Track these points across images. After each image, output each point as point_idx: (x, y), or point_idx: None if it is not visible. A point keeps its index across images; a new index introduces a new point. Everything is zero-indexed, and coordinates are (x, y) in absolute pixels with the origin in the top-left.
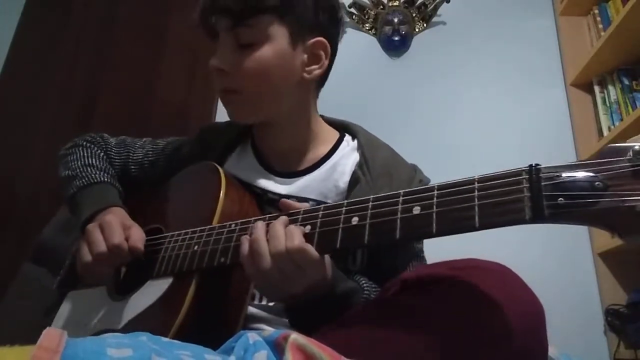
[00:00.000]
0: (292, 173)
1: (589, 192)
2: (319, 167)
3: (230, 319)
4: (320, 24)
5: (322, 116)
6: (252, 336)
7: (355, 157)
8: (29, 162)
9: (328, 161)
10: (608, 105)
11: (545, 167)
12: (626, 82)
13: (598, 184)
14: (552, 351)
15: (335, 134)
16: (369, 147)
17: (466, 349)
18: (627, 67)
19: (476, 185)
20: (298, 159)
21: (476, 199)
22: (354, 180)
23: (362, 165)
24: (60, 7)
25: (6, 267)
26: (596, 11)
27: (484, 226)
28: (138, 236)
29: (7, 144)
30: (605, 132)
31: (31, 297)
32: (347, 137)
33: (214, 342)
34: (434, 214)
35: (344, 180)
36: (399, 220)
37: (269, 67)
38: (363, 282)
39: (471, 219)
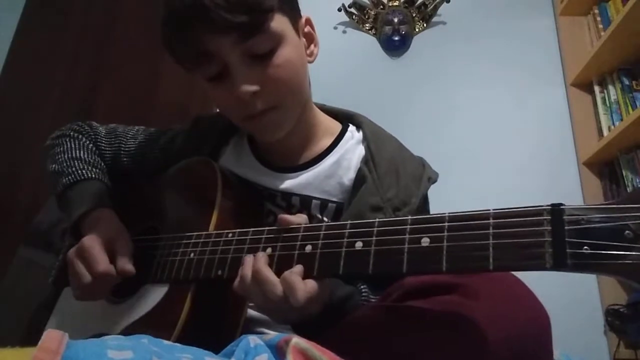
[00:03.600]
0: (291, 167)
1: (617, 242)
2: (321, 160)
3: (229, 325)
4: (296, 1)
5: (323, 105)
6: (253, 339)
7: (360, 150)
8: (29, 162)
9: (331, 154)
10: (608, 105)
11: (568, 208)
12: (626, 82)
13: (628, 234)
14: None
15: (337, 126)
16: (375, 140)
17: (470, 356)
18: (627, 67)
19: (491, 221)
20: (299, 153)
21: (491, 237)
22: (360, 178)
23: (368, 160)
24: (60, 6)
25: (6, 266)
26: (596, 11)
27: (499, 268)
28: (124, 256)
29: (7, 143)
30: (605, 132)
31: (28, 284)
32: (352, 128)
33: (213, 347)
34: (444, 249)
35: (349, 177)
36: (406, 251)
37: (296, 67)
38: (360, 285)
39: (485, 259)
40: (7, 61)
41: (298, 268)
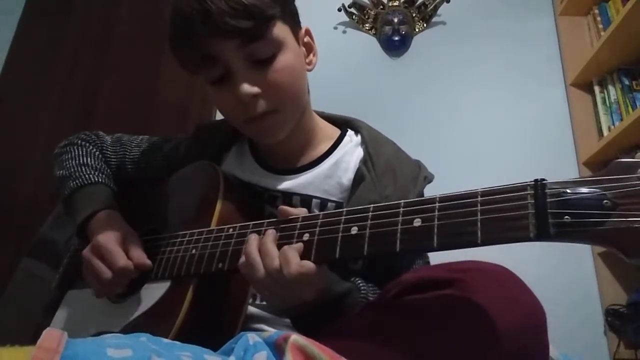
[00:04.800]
0: (292, 170)
1: (596, 210)
2: (320, 163)
3: (229, 322)
4: (297, 12)
5: (322, 112)
6: (252, 337)
7: (359, 152)
8: (29, 162)
9: (330, 157)
10: (608, 105)
11: (550, 182)
12: (626, 82)
13: (606, 202)
14: (552, 351)
15: (335, 131)
16: (373, 142)
17: (466, 351)
18: (627, 67)
19: (479, 199)
20: (298, 157)
21: (479, 214)
22: (359, 177)
23: (367, 161)
24: (61, 7)
25: (6, 267)
26: (596, 11)
27: (487, 242)
28: (140, 250)
29: (7, 144)
30: (605, 132)
31: (31, 294)
32: (350, 133)
33: (212, 345)
34: (435, 227)
35: (347, 177)
36: (399, 232)
37: (296, 73)
38: (359, 282)
39: (473, 234)
40: (7, 61)
41: (297, 245)
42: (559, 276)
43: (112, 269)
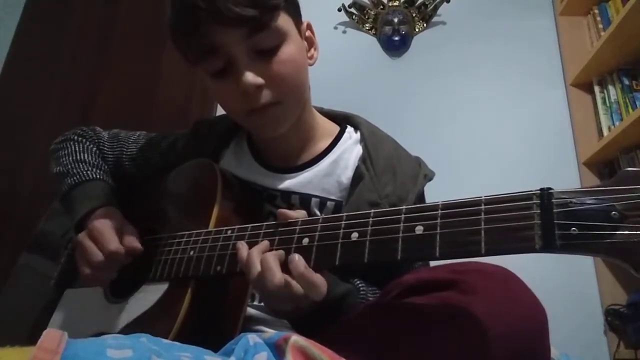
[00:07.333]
0: (291, 168)
1: (604, 222)
2: (319, 161)
3: (228, 323)
4: (299, 5)
5: (322, 108)
6: (252, 338)
7: (358, 150)
8: (29, 162)
9: (329, 155)
10: (608, 105)
11: (557, 192)
12: (626, 82)
13: (614, 214)
14: (552, 351)
15: (335, 128)
16: (372, 139)
17: (467, 352)
18: (627, 67)
19: (483, 207)
20: (297, 154)
21: (483, 223)
22: (358, 176)
23: (366, 159)
24: (60, 7)
25: (6, 265)
26: (596, 11)
27: (490, 252)
28: (132, 236)
29: (7, 144)
30: (605, 132)
31: (30, 289)
32: (349, 129)
33: (213, 346)
34: (438, 236)
35: (347, 175)
36: (400, 240)
37: (299, 65)
38: (358, 283)
39: (477, 244)
40: (7, 61)
41: (303, 261)
42: (559, 276)
43: (103, 252)
